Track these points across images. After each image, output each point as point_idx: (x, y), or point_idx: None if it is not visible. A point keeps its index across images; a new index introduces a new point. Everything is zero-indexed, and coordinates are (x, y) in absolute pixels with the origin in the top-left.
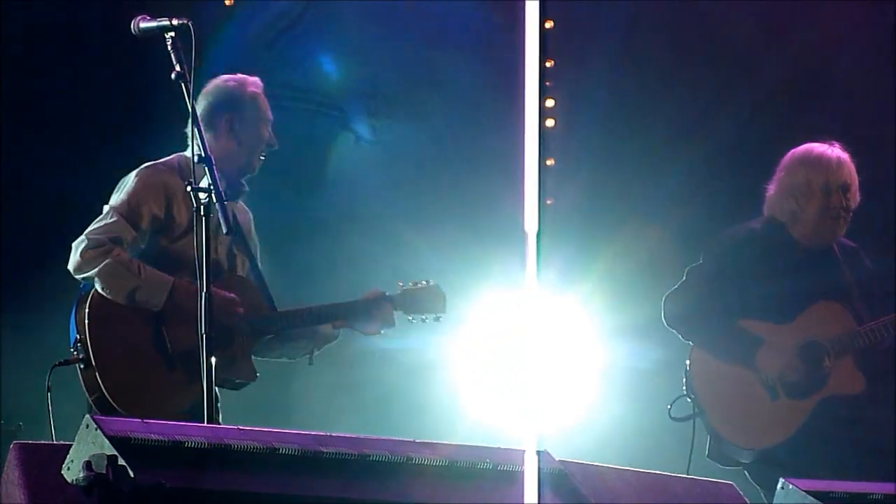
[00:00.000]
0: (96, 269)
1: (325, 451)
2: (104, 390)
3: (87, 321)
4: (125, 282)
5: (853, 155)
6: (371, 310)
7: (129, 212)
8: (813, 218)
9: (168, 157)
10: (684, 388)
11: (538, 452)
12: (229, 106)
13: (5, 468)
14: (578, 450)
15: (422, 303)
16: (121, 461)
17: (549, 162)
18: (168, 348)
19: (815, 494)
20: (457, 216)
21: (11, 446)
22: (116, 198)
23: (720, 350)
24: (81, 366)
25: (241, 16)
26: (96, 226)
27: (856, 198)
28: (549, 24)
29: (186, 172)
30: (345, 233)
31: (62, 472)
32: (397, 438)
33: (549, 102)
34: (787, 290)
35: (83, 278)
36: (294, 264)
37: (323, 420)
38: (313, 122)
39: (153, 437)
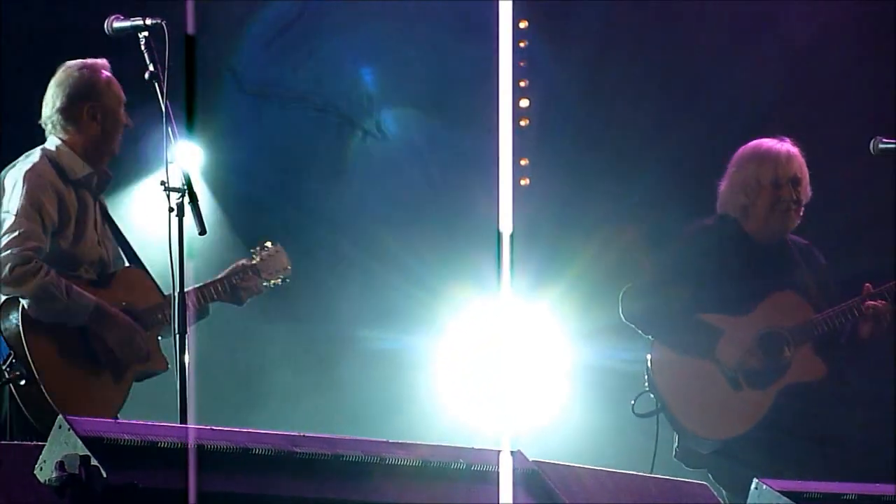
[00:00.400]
0: (29, 290)
1: (299, 451)
2: (52, 402)
3: (23, 336)
4: (54, 304)
5: (821, 154)
6: (241, 282)
7: (35, 216)
8: (763, 212)
9: (33, 154)
10: (646, 383)
11: (512, 453)
12: (89, 95)
13: None
14: (551, 450)
15: (275, 266)
16: (93, 461)
17: (524, 162)
18: (96, 351)
19: (788, 494)
20: (433, 219)
21: None
22: (14, 203)
23: (680, 343)
24: (22, 382)
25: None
26: (12, 236)
27: (807, 191)
28: (523, 24)
29: (60, 168)
30: (322, 237)
31: (35, 472)
32: (371, 439)
33: (524, 103)
34: (744, 282)
35: (8, 294)
36: None
37: (301, 420)
38: (295, 127)
39: (126, 437)
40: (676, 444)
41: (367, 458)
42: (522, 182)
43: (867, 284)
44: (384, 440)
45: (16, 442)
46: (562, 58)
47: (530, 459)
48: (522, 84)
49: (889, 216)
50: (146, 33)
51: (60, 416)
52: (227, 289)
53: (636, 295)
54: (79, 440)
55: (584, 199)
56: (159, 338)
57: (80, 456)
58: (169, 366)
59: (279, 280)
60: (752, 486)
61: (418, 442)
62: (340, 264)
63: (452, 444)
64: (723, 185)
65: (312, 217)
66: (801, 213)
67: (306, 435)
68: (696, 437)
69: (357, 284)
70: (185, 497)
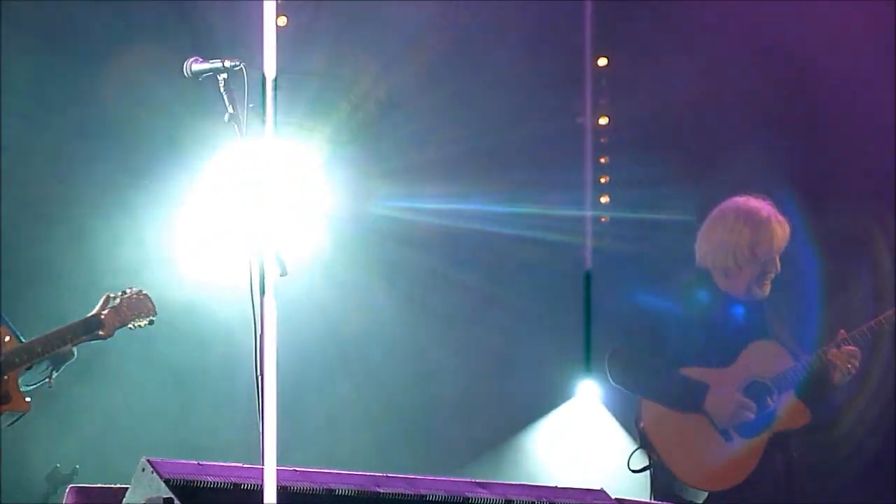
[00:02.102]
0: None
1: (382, 491)
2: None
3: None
4: None
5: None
6: (102, 323)
7: None
8: (748, 280)
9: None
10: (638, 441)
11: (594, 490)
12: None
13: None
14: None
15: (137, 309)
16: (177, 503)
17: None
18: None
19: None
20: (519, 261)
21: (68, 490)
22: None
23: (668, 399)
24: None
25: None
26: None
27: None
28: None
29: None
30: (402, 277)
31: None
32: (453, 478)
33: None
34: (724, 335)
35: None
36: None
37: (379, 458)
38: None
39: (209, 479)
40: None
41: (450, 498)
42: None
43: (841, 330)
44: (466, 479)
45: (100, 485)
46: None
47: (613, 498)
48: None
49: None
50: (225, 75)
51: (143, 459)
52: (87, 329)
53: (621, 359)
54: (162, 482)
55: None
56: (21, 381)
57: (164, 498)
58: (30, 407)
59: (142, 323)
60: None
61: (500, 482)
62: (427, 310)
63: (535, 484)
64: (706, 240)
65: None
66: None
67: (389, 475)
68: (693, 490)
69: (446, 330)
70: None
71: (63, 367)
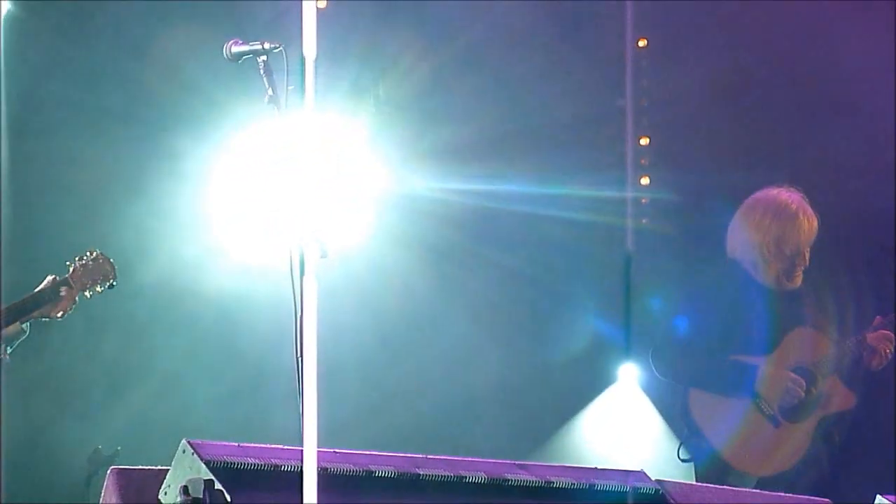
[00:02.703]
0: None
1: (422, 472)
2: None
3: None
4: None
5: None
6: (53, 297)
7: None
8: (776, 273)
9: None
10: (686, 430)
11: (635, 472)
12: None
13: (103, 493)
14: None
15: (94, 274)
16: (217, 485)
17: None
18: None
19: None
20: (557, 244)
21: (109, 471)
22: None
23: (721, 384)
24: None
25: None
26: None
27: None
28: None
29: None
30: (441, 259)
31: (159, 496)
32: (493, 460)
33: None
34: (763, 323)
35: None
36: None
37: (418, 440)
38: None
39: (249, 460)
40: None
41: (490, 480)
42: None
43: (878, 317)
44: (506, 461)
45: (141, 467)
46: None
47: (653, 479)
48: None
49: None
50: (265, 57)
51: (184, 441)
52: (36, 304)
53: (666, 352)
54: (202, 464)
55: None
56: None
57: (205, 480)
58: None
59: (101, 289)
60: (875, 500)
61: (540, 463)
62: (467, 293)
63: (576, 465)
64: (736, 233)
65: (437, 245)
66: None
67: (428, 457)
68: (745, 475)
69: (484, 314)
70: None
71: (16, 345)
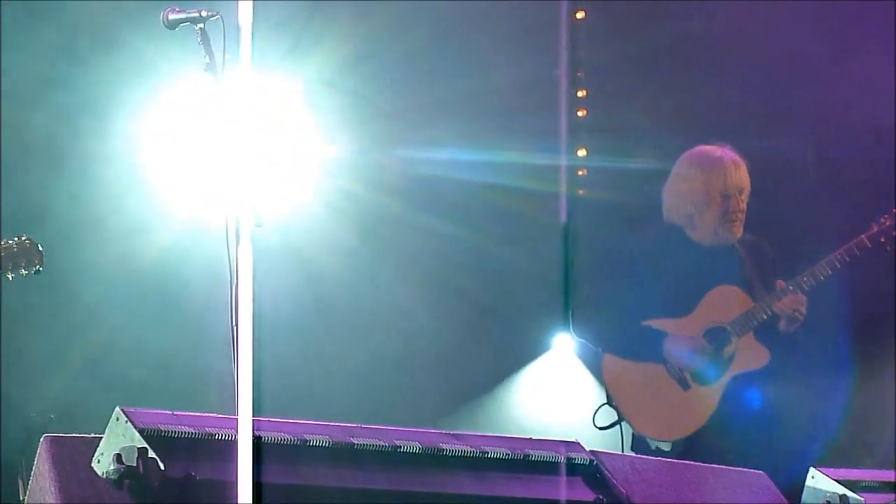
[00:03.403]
0: None
1: (356, 442)
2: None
3: None
4: None
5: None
6: None
7: None
8: (711, 222)
9: None
10: (605, 396)
11: (569, 443)
12: None
13: (36, 461)
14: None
15: (17, 258)
16: (151, 453)
17: None
18: None
19: (844, 483)
20: (494, 210)
21: (42, 439)
22: None
23: (628, 350)
24: None
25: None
26: None
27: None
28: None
29: None
30: (378, 225)
31: (92, 464)
32: (428, 430)
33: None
34: (686, 284)
35: None
36: None
37: (355, 409)
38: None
39: (183, 429)
40: (631, 446)
41: (425, 450)
42: (580, 172)
43: (779, 282)
44: (441, 431)
45: (73, 434)
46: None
47: (588, 449)
48: (580, 74)
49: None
50: (202, 25)
51: (118, 409)
52: None
53: (585, 313)
54: (136, 432)
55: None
56: None
57: (138, 448)
58: None
59: (25, 272)
60: (809, 474)
61: (475, 433)
62: (403, 259)
63: (510, 435)
64: (667, 193)
65: (373, 211)
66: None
67: (363, 426)
68: (655, 441)
69: (420, 278)
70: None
71: None
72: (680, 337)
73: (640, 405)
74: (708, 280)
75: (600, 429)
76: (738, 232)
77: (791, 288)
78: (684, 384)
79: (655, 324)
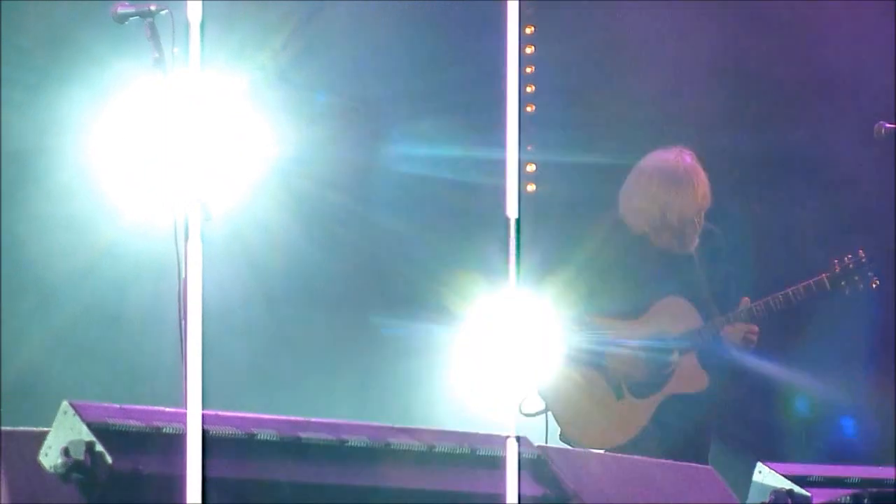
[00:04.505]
0: None
1: (304, 436)
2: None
3: None
4: None
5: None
6: None
7: None
8: (666, 241)
9: None
10: (536, 385)
11: (517, 438)
12: None
13: None
14: (553, 438)
15: None
16: (99, 447)
17: (530, 147)
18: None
19: (792, 478)
20: (441, 205)
21: None
22: None
23: (571, 348)
24: None
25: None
26: None
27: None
28: (529, 30)
29: None
30: (326, 220)
31: (39, 458)
32: (376, 424)
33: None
34: (637, 286)
35: None
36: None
37: (308, 406)
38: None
39: (131, 423)
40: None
41: (373, 444)
42: (529, 168)
43: (744, 298)
44: (389, 425)
45: (21, 428)
46: (569, 43)
47: (535, 445)
48: (529, 70)
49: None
50: (151, 19)
51: (65, 402)
52: None
53: (532, 305)
54: (84, 426)
55: (591, 186)
56: None
57: (86, 442)
58: None
59: None
60: (756, 469)
61: (424, 427)
62: (351, 253)
63: (458, 431)
64: (624, 200)
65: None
66: None
67: (311, 420)
68: (577, 445)
69: (368, 273)
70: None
71: None
72: (623, 341)
73: (571, 406)
74: (661, 285)
75: (526, 416)
76: (694, 245)
77: (744, 314)
78: (619, 393)
79: (602, 322)
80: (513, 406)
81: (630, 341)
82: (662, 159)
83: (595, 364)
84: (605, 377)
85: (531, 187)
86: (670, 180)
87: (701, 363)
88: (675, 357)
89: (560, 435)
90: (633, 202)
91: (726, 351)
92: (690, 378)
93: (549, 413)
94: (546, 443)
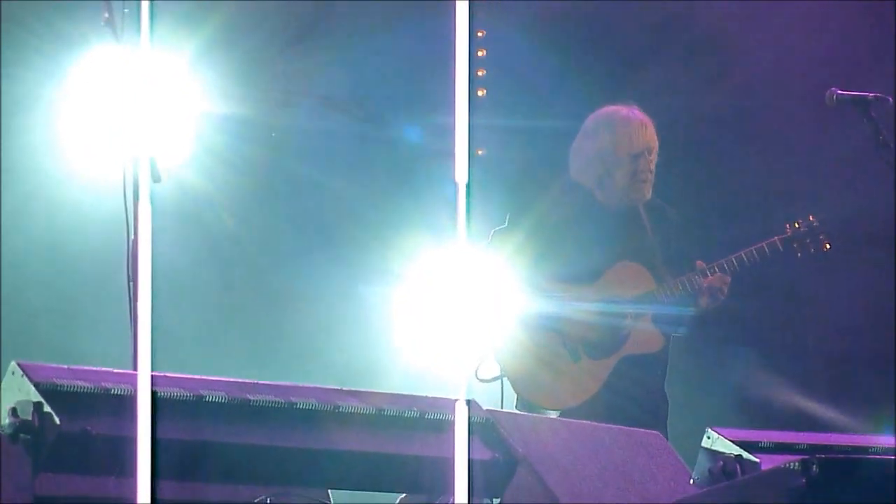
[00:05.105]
0: None
1: (252, 398)
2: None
3: None
4: None
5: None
6: None
7: None
8: (620, 183)
9: None
10: (492, 350)
11: (466, 402)
12: None
13: None
14: (507, 400)
15: None
16: (47, 408)
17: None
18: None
19: (741, 444)
20: (391, 171)
21: None
22: None
23: (527, 313)
24: None
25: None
26: None
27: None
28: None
29: None
30: (276, 184)
31: None
32: (325, 387)
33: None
34: (590, 251)
35: None
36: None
37: (254, 367)
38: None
39: (79, 383)
40: (515, 403)
41: (321, 406)
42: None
43: (699, 262)
44: (338, 388)
45: None
46: (517, 24)
47: (484, 409)
48: (480, 54)
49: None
50: None
51: (14, 363)
52: None
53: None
54: (32, 387)
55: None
56: None
57: (34, 403)
58: None
59: None
60: (705, 435)
61: (372, 390)
62: (298, 217)
63: (407, 394)
64: (574, 153)
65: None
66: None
67: (259, 382)
68: (535, 407)
69: (314, 236)
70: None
71: None
72: (578, 304)
73: (528, 369)
74: (613, 248)
75: (482, 381)
76: (648, 193)
77: (715, 269)
78: (576, 355)
79: (557, 287)
80: (468, 371)
81: (586, 305)
82: (612, 109)
83: (552, 328)
84: (561, 340)
85: (481, 151)
86: (618, 120)
87: (656, 324)
88: (630, 320)
89: (517, 401)
90: (582, 151)
91: (685, 310)
92: (646, 339)
93: (506, 378)
94: (502, 408)
